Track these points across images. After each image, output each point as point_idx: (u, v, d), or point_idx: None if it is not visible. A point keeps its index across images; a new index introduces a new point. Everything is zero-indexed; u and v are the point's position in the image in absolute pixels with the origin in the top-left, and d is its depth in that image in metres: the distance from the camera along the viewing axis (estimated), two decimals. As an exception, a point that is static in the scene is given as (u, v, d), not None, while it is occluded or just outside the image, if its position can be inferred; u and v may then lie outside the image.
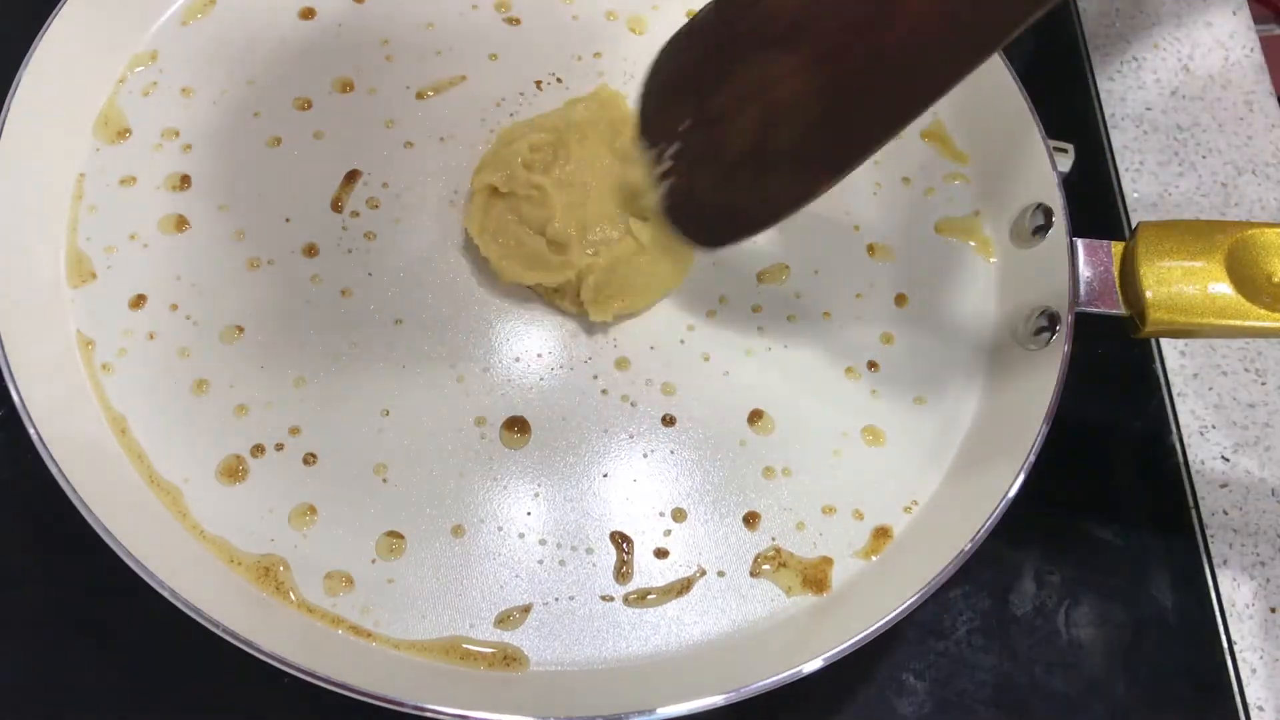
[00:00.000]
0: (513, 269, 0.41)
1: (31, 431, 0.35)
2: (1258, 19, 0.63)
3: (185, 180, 0.43)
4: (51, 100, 0.42)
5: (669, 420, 0.41)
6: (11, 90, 0.41)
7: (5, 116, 0.40)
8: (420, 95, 0.46)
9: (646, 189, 0.40)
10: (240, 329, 0.41)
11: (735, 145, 0.36)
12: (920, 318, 0.44)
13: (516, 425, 0.40)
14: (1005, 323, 0.44)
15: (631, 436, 0.41)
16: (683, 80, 0.37)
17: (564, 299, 0.42)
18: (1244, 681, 0.45)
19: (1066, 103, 0.58)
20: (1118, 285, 0.42)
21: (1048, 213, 0.44)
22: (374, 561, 0.37)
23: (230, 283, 0.42)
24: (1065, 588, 0.46)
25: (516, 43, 0.48)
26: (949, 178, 0.48)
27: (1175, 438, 0.50)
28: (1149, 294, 0.40)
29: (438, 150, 0.45)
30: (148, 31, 0.46)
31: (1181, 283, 0.41)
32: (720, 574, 0.39)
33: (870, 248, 0.46)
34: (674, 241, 0.43)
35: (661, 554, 0.39)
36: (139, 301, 0.41)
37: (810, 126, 0.34)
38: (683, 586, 0.38)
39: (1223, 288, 0.40)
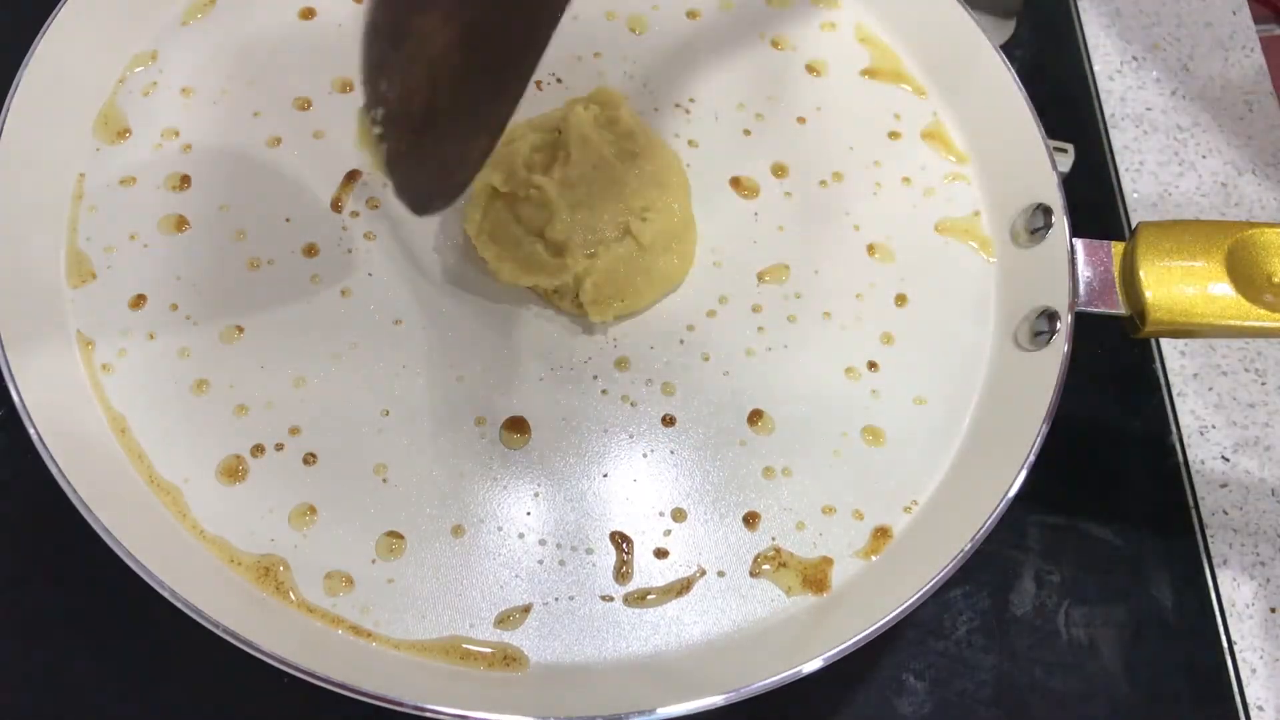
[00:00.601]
0: (510, 270, 0.41)
1: (31, 432, 0.35)
2: (1258, 19, 0.63)
3: (185, 180, 0.43)
4: (51, 100, 0.42)
5: (669, 420, 0.41)
6: (11, 90, 0.41)
7: (5, 116, 0.40)
8: (420, 95, 0.46)
9: (374, 152, 0.37)
10: (240, 329, 0.41)
11: (418, 104, 0.35)
12: (920, 318, 0.44)
13: (517, 426, 0.40)
14: (1005, 323, 0.44)
15: (631, 436, 0.41)
16: (375, 38, 0.36)
17: (563, 299, 0.42)
18: (1244, 681, 0.45)
19: (1066, 103, 0.58)
20: (1118, 285, 0.42)
21: (1048, 213, 0.44)
22: (374, 561, 0.37)
23: (230, 283, 0.41)
24: (1065, 588, 0.46)
25: (516, 43, 0.48)
26: (949, 178, 0.48)
27: (1175, 438, 0.50)
28: (1149, 294, 0.41)
29: (438, 150, 0.45)
30: (147, 31, 0.46)
31: (1182, 283, 0.41)
32: (720, 574, 0.39)
33: (870, 248, 0.46)
34: (674, 241, 0.43)
35: (661, 554, 0.39)
36: (139, 301, 0.41)
37: (460, 79, 0.34)
38: (682, 586, 0.38)
39: (1223, 288, 0.40)
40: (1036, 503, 0.47)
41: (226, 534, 0.37)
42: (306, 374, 0.40)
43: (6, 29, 0.44)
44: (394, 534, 0.38)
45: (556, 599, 0.38)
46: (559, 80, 0.47)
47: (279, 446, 0.39)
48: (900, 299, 0.45)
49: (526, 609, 0.37)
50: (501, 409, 0.40)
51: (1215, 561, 0.47)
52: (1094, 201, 0.55)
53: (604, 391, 0.41)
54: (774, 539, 0.40)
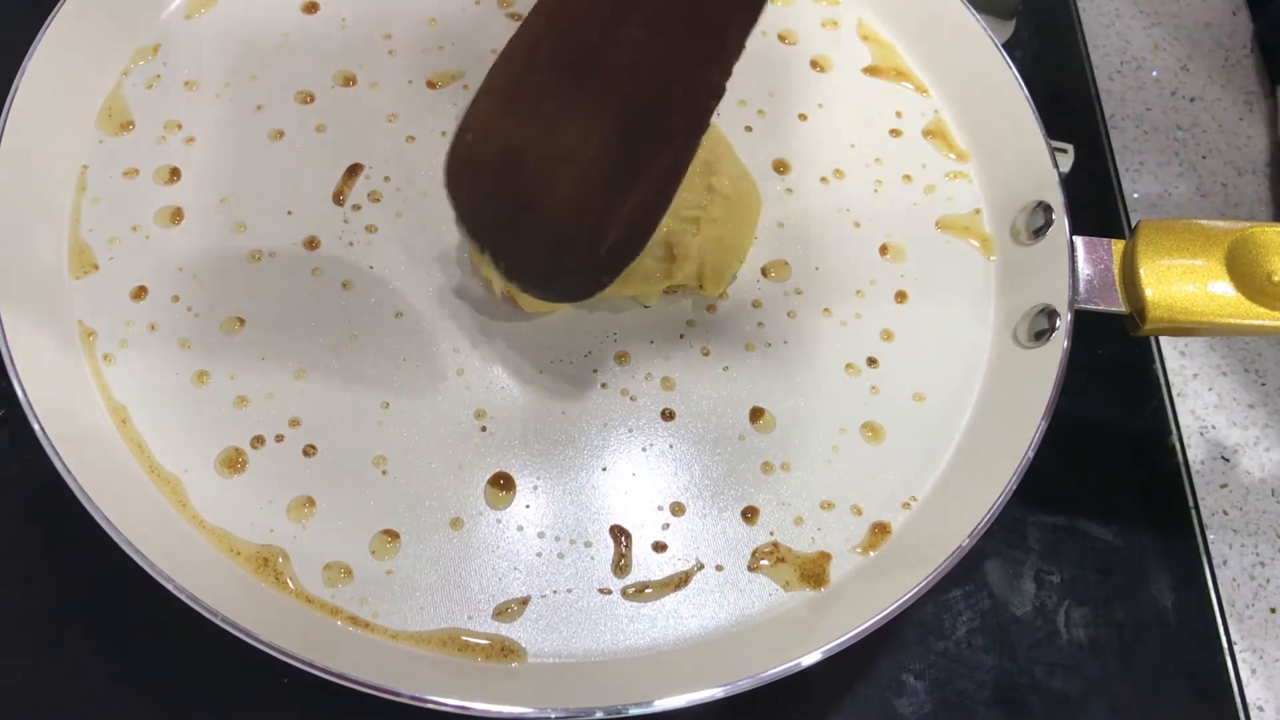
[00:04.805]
0: (641, 288, 0.41)
1: (33, 421, 0.35)
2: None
3: (187, 173, 0.43)
4: (55, 92, 0.42)
5: (668, 415, 0.41)
6: (16, 82, 0.41)
7: (9, 108, 0.40)
8: (423, 90, 0.46)
9: (491, 274, 0.38)
10: (241, 321, 0.41)
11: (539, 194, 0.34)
12: (920, 315, 0.44)
13: (501, 480, 0.39)
14: (1005, 320, 0.44)
15: (631, 430, 0.41)
16: (471, 153, 0.35)
17: (668, 287, 0.42)
18: (1244, 681, 0.45)
19: (1066, 103, 0.58)
20: (1118, 283, 0.42)
21: (1048, 210, 0.44)
22: (373, 553, 0.37)
23: (231, 275, 0.42)
24: (1065, 588, 0.46)
25: (519, 39, 0.48)
26: (950, 175, 0.48)
27: (1175, 438, 0.50)
28: (1149, 292, 0.41)
29: (440, 144, 0.45)
30: (151, 25, 0.46)
31: (1181, 281, 0.41)
32: (718, 568, 0.39)
33: (871, 244, 0.46)
34: (743, 171, 0.43)
35: (659, 548, 0.39)
36: (140, 293, 0.41)
37: (607, 153, 0.33)
38: (680, 580, 0.38)
39: (1223, 286, 0.41)
40: (1036, 503, 0.47)
41: (226, 524, 0.37)
42: (307, 366, 0.40)
43: (11, 22, 0.44)
44: (393, 525, 0.38)
45: (555, 591, 0.38)
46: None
47: (279, 438, 0.39)
48: (900, 296, 0.45)
49: (524, 601, 0.37)
50: (501, 402, 0.40)
51: (1215, 561, 0.47)
52: (1094, 201, 0.55)
53: (604, 385, 0.41)
54: (772, 534, 0.40)
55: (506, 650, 0.36)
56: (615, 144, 0.33)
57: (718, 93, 0.33)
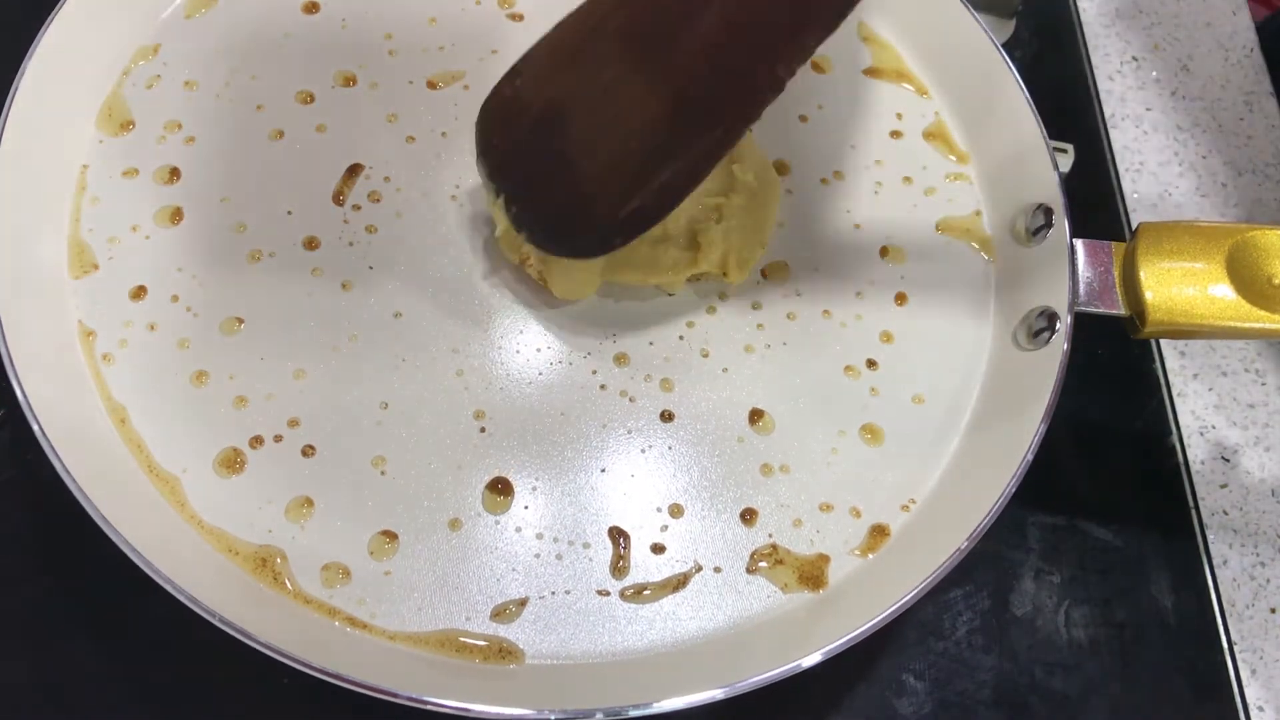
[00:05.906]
0: (666, 277, 0.42)
1: (33, 421, 0.35)
2: (1258, 19, 0.63)
3: (187, 172, 0.43)
4: (55, 92, 0.42)
5: (667, 416, 0.41)
6: (16, 82, 0.41)
7: (9, 108, 0.40)
8: (423, 90, 0.46)
9: (498, 217, 0.39)
10: (240, 321, 0.41)
11: (572, 146, 0.35)
12: (920, 316, 0.44)
13: (499, 485, 0.39)
14: (1005, 322, 0.44)
15: (630, 432, 0.41)
16: (511, 99, 0.36)
17: (692, 275, 0.42)
18: (1244, 681, 0.45)
19: (1066, 103, 0.58)
20: (1118, 285, 0.42)
21: (1048, 212, 0.44)
22: (371, 554, 0.37)
23: (231, 275, 0.42)
24: (1065, 588, 0.46)
25: (519, 38, 0.48)
26: (950, 177, 0.48)
27: (1175, 438, 0.50)
28: (1149, 295, 0.41)
29: (440, 145, 0.45)
30: (151, 25, 0.46)
31: (1182, 284, 0.41)
32: (717, 570, 0.39)
33: (871, 246, 0.46)
34: (765, 169, 0.43)
35: (658, 549, 0.39)
36: (140, 293, 0.41)
37: (656, 122, 0.34)
38: (679, 582, 0.38)
39: (1223, 289, 0.40)
40: (1036, 503, 0.47)
41: (225, 525, 0.37)
42: (306, 366, 0.40)
43: (11, 21, 0.44)
44: (391, 526, 0.38)
45: (553, 593, 0.38)
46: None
47: (278, 438, 0.39)
48: (900, 298, 0.45)
49: (523, 602, 0.37)
50: (500, 403, 0.40)
51: (1215, 561, 0.47)
52: (1094, 201, 0.55)
53: (603, 386, 0.41)
54: (771, 536, 0.40)
55: (504, 651, 0.36)
56: (666, 121, 0.34)
57: (778, 88, 0.34)
